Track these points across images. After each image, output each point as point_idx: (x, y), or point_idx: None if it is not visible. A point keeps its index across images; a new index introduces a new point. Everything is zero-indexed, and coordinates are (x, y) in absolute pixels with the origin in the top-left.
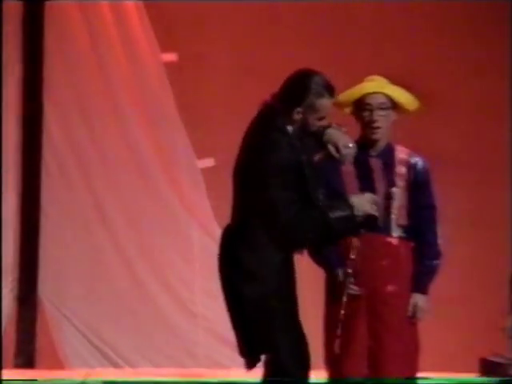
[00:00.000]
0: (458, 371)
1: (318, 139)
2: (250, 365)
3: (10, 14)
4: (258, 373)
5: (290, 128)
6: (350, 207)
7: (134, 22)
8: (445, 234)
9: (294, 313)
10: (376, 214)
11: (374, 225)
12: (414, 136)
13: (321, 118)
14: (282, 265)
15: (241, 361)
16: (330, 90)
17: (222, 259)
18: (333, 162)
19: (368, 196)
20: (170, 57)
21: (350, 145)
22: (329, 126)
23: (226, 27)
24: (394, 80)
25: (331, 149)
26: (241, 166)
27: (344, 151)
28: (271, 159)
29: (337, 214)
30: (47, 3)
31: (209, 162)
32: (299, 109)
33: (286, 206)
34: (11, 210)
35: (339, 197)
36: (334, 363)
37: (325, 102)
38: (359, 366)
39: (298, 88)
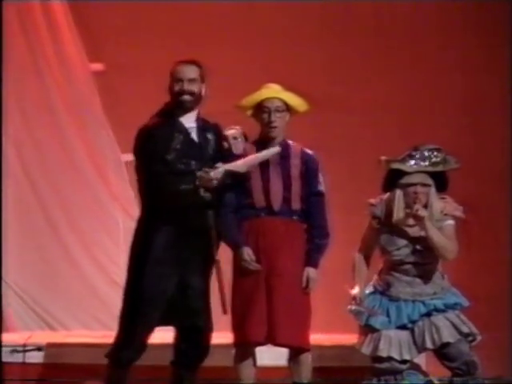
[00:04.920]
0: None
1: (216, 135)
2: None
3: None
4: None
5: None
6: (194, 181)
7: (66, 37)
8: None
9: None
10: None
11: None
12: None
13: (177, 80)
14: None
15: None
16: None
17: None
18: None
19: (215, 173)
20: (98, 66)
21: (238, 138)
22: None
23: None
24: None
25: (224, 142)
26: None
27: (232, 142)
28: None
29: (182, 186)
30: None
31: (131, 157)
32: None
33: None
34: None
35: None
36: (238, 329)
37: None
38: (260, 331)
39: None
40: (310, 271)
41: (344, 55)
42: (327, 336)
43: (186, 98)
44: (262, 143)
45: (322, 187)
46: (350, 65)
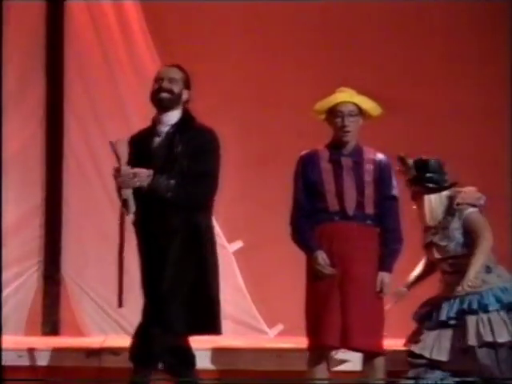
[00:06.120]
0: None
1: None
2: None
3: (33, 15)
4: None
5: None
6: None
7: (140, 44)
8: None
9: None
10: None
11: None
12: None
13: (157, 79)
14: None
15: (233, 329)
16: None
17: None
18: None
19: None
20: None
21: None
22: None
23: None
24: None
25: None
26: None
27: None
28: None
29: None
30: (67, 3)
31: None
32: None
33: None
34: (36, 202)
35: None
36: (312, 333)
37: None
38: (334, 335)
39: None
40: (384, 276)
41: (415, 58)
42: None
43: (164, 95)
44: (335, 147)
45: (395, 191)
46: (421, 69)
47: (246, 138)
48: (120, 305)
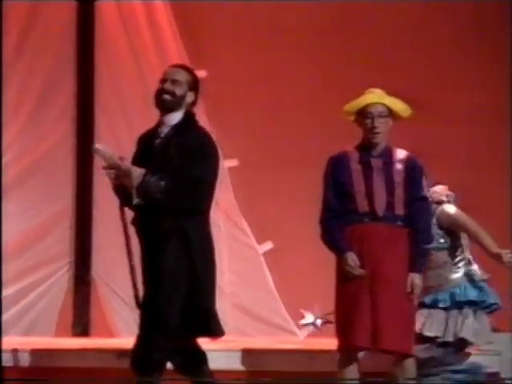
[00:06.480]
0: None
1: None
2: None
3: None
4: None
5: None
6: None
7: (170, 44)
8: None
9: None
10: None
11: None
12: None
13: (162, 80)
14: None
15: (263, 330)
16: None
17: None
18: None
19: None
20: (200, 73)
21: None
22: None
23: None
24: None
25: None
26: None
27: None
28: None
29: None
30: (97, 3)
31: (233, 162)
32: None
33: None
34: (67, 203)
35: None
36: (343, 335)
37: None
38: (364, 337)
39: None
40: (415, 277)
41: (446, 59)
42: None
43: (166, 97)
44: (365, 149)
45: (425, 192)
46: (451, 70)
47: (277, 140)
48: (138, 305)
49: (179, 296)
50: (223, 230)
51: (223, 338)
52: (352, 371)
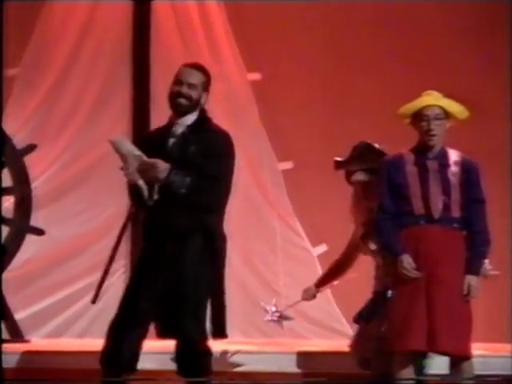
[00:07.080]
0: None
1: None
2: None
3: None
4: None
5: None
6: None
7: (224, 45)
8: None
9: None
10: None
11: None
12: None
13: (178, 82)
14: None
15: (318, 332)
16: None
17: None
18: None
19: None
20: (255, 76)
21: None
22: None
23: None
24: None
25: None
26: None
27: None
28: None
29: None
30: (153, 3)
31: (288, 165)
32: None
33: None
34: (123, 207)
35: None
36: (399, 337)
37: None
38: (420, 339)
39: None
40: (472, 279)
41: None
42: (489, 345)
43: (182, 101)
44: (421, 151)
45: (483, 194)
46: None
47: (332, 143)
48: (94, 301)
49: (205, 293)
50: (278, 233)
51: (278, 341)
52: (408, 373)
